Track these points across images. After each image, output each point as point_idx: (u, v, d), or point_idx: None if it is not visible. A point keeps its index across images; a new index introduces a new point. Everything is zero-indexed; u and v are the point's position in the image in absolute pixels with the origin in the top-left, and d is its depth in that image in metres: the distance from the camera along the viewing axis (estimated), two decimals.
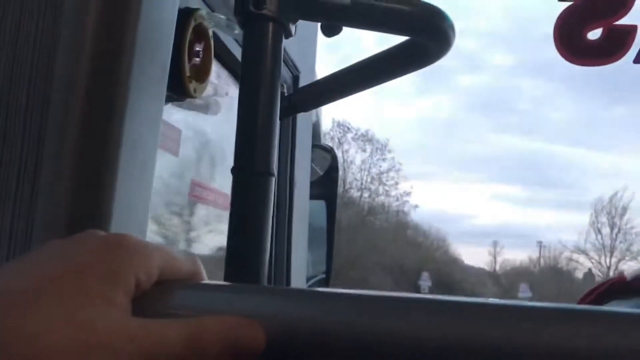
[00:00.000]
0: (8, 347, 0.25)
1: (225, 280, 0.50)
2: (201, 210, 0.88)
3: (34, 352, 0.25)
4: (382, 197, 26.19)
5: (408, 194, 26.73)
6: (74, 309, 0.27)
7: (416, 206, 27.32)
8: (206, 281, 0.34)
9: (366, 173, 25.47)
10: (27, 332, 0.26)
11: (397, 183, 26.25)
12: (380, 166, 25.80)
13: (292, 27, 0.56)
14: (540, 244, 34.01)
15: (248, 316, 0.29)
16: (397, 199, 26.54)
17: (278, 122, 0.54)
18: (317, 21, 0.62)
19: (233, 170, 0.55)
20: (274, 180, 0.54)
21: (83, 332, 0.26)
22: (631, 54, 0.69)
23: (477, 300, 0.29)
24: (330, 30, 0.60)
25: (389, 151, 25.86)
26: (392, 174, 26.12)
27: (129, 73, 0.45)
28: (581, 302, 0.65)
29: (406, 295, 0.30)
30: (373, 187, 25.43)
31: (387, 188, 25.92)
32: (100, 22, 0.45)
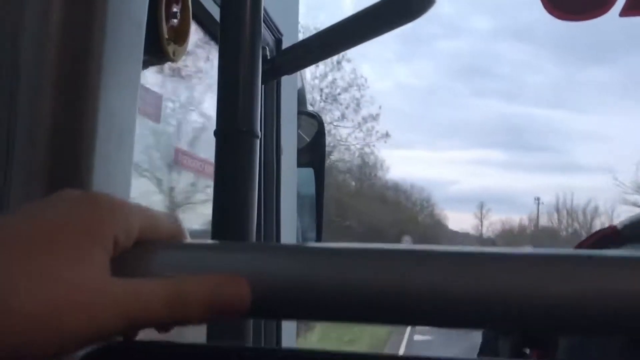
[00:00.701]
0: None
1: (212, 239, 0.49)
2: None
3: (5, 313, 0.24)
4: (342, 129, 19.17)
5: (375, 117, 19.52)
6: (48, 268, 0.25)
7: (387, 135, 20.22)
8: (189, 240, 0.33)
9: (318, 91, 17.96)
10: None
11: (359, 105, 19.11)
12: (337, 83, 18.45)
13: None
14: (538, 201, 33.49)
15: (233, 273, 0.28)
16: (360, 127, 19.41)
17: (260, 79, 0.52)
18: None
19: (215, 133, 0.54)
20: (258, 142, 0.53)
21: (58, 292, 0.25)
22: (616, 8, 0.68)
23: (466, 249, 0.28)
24: None
25: (348, 60, 18.76)
26: (353, 91, 18.87)
27: (102, 35, 0.42)
28: None
29: (394, 246, 0.29)
30: (327, 111, 18.09)
31: (345, 110, 18.47)
32: None
